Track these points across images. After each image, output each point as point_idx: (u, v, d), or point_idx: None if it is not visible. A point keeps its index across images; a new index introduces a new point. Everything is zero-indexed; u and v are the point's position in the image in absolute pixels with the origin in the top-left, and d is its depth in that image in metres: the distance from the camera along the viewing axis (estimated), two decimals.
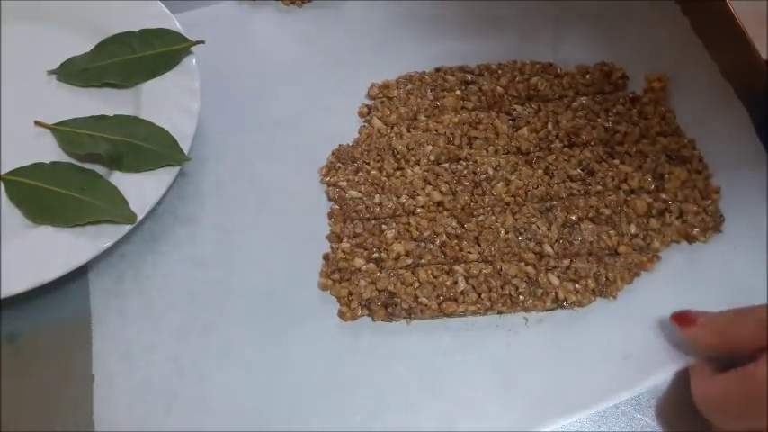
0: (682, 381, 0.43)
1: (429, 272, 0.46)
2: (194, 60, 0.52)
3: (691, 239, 0.48)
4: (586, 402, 0.43)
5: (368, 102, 0.55)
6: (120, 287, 0.47)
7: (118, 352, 0.44)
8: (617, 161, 0.50)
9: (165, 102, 0.51)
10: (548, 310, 0.46)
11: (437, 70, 0.55)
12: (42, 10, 0.55)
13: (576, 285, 0.46)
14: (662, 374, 0.44)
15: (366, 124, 0.53)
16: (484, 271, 0.46)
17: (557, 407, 0.43)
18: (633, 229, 0.47)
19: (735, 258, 0.47)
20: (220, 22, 0.58)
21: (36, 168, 0.48)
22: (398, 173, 0.50)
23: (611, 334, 0.45)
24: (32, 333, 0.45)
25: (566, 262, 0.46)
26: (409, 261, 0.46)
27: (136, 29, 0.52)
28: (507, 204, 0.49)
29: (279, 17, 0.59)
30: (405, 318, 0.45)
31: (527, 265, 0.46)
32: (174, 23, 0.53)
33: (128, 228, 0.46)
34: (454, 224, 0.48)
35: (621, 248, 0.47)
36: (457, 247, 0.47)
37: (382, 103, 0.54)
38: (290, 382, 0.44)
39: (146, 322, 0.46)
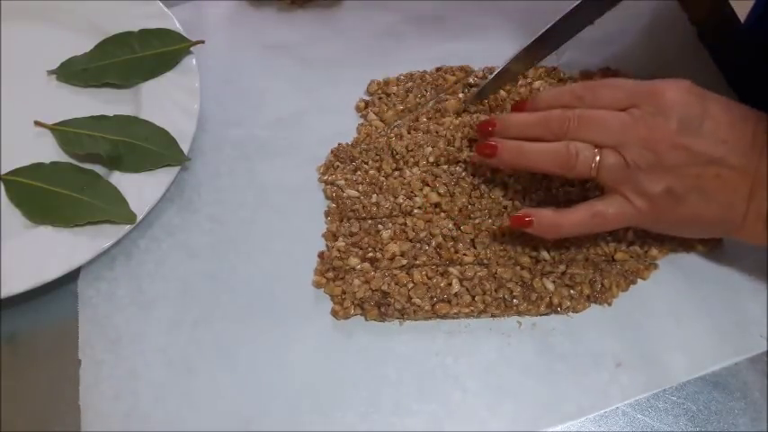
0: (681, 383, 0.44)
1: (423, 273, 0.46)
2: (194, 60, 0.52)
3: (689, 248, 0.47)
4: (576, 410, 0.43)
5: (366, 97, 0.54)
6: (112, 272, 0.47)
7: (106, 338, 0.44)
8: None
9: (164, 102, 0.51)
10: (541, 315, 0.46)
11: (438, 69, 0.55)
12: (42, 10, 0.55)
13: (571, 291, 0.45)
14: (656, 382, 0.43)
15: (363, 120, 0.53)
16: (479, 273, 0.46)
17: (546, 413, 0.43)
18: (631, 236, 0.47)
19: (733, 267, 0.46)
20: (220, 22, 0.58)
21: (36, 168, 0.49)
22: (397, 173, 0.50)
23: (604, 341, 0.44)
24: (31, 333, 0.46)
25: (561, 267, 0.46)
26: (404, 261, 0.46)
27: (136, 29, 0.53)
28: (505, 208, 0.48)
29: (279, 17, 0.58)
30: (397, 318, 0.46)
31: (522, 269, 0.46)
32: (174, 23, 0.53)
33: (127, 228, 0.46)
34: (450, 226, 0.48)
35: (618, 255, 0.46)
36: (452, 249, 0.47)
37: (380, 98, 0.54)
38: (279, 380, 0.44)
39: (136, 310, 0.46)
